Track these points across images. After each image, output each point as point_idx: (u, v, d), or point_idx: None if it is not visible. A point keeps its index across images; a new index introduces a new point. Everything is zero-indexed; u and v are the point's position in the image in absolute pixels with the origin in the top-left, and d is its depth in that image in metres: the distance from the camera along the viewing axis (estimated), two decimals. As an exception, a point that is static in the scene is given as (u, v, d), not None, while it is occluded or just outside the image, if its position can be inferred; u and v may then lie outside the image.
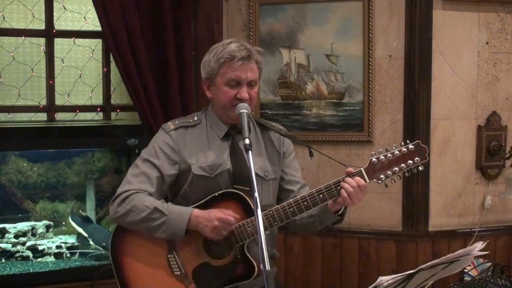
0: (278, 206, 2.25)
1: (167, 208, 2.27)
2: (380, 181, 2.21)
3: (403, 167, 2.19)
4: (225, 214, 2.21)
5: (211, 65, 2.33)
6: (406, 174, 2.22)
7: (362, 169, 2.21)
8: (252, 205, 2.24)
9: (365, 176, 2.20)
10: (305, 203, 2.23)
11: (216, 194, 2.30)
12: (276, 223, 2.25)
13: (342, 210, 2.29)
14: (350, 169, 2.23)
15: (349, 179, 2.19)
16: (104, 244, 3.47)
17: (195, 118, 2.43)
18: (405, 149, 2.20)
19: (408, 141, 2.22)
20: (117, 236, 2.37)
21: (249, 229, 2.24)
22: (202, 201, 2.31)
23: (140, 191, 2.30)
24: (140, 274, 2.32)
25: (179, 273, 2.29)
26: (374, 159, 2.20)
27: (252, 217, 2.23)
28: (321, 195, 2.22)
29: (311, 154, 2.52)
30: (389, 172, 2.20)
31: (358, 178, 2.19)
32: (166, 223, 2.24)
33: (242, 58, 2.28)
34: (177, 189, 2.41)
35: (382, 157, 2.20)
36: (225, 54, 2.29)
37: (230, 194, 2.30)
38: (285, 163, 2.49)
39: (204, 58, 2.39)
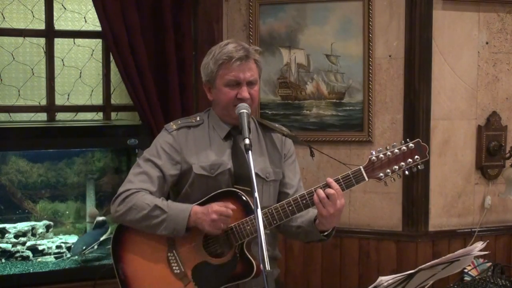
0: (277, 204, 2.26)
1: (167, 205, 2.28)
2: (379, 180, 2.21)
3: (402, 165, 2.19)
4: (222, 206, 2.22)
5: (210, 67, 2.34)
6: (406, 173, 2.22)
7: (361, 167, 2.21)
8: (251, 205, 2.25)
9: (364, 174, 2.20)
10: (304, 201, 2.23)
11: (216, 192, 2.31)
12: (275, 222, 2.25)
13: (329, 231, 2.29)
14: (329, 179, 2.22)
15: (319, 191, 2.18)
16: (78, 249, 3.47)
17: (198, 119, 2.45)
18: (405, 148, 2.19)
19: (408, 140, 2.22)
20: (118, 234, 2.39)
21: (248, 227, 2.24)
22: (201, 200, 2.32)
23: (141, 189, 2.31)
24: (140, 272, 2.34)
25: (178, 271, 2.30)
26: (373, 158, 2.20)
27: (252, 216, 2.24)
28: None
29: (312, 154, 2.52)
30: (388, 170, 2.20)
31: (335, 187, 2.18)
32: (167, 220, 2.25)
33: (240, 58, 2.29)
34: (179, 189, 2.42)
35: (381, 155, 2.20)
36: (223, 56, 2.30)
37: (230, 193, 2.30)
38: (285, 166, 2.49)
39: (203, 61, 2.40)
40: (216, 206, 2.22)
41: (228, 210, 2.21)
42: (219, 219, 2.20)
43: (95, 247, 3.47)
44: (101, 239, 3.50)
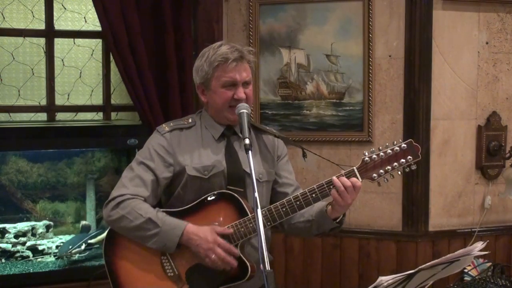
0: (271, 205, 2.26)
1: (161, 219, 2.25)
2: (372, 180, 2.22)
3: (395, 165, 2.20)
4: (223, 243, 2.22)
5: (205, 69, 2.33)
6: (399, 173, 2.23)
7: (354, 168, 2.22)
8: (245, 207, 2.26)
9: (358, 175, 2.21)
10: (298, 202, 2.23)
11: (209, 195, 2.30)
12: (269, 223, 2.25)
13: (340, 217, 2.29)
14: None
15: (342, 178, 2.19)
16: (64, 249, 3.46)
17: (190, 120, 2.44)
18: (397, 148, 2.20)
19: (401, 140, 2.23)
20: (110, 237, 2.37)
21: (243, 229, 2.24)
22: (194, 203, 2.31)
23: (136, 196, 2.29)
24: (133, 275, 2.32)
25: (172, 274, 2.29)
26: (366, 158, 2.21)
27: (245, 218, 2.24)
28: (313, 195, 2.23)
29: (304, 155, 2.53)
30: (381, 171, 2.20)
31: (353, 179, 2.19)
32: (158, 235, 2.24)
33: (235, 60, 2.29)
34: (171, 190, 2.40)
35: (374, 156, 2.21)
36: (218, 57, 2.30)
37: (223, 195, 2.30)
38: (279, 166, 2.49)
39: (196, 63, 2.40)
40: (218, 238, 2.21)
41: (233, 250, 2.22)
42: (216, 251, 2.20)
43: (82, 247, 3.47)
44: (90, 241, 3.49)
